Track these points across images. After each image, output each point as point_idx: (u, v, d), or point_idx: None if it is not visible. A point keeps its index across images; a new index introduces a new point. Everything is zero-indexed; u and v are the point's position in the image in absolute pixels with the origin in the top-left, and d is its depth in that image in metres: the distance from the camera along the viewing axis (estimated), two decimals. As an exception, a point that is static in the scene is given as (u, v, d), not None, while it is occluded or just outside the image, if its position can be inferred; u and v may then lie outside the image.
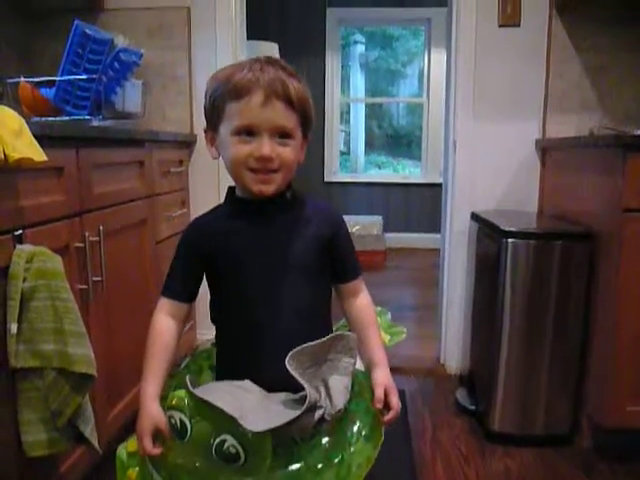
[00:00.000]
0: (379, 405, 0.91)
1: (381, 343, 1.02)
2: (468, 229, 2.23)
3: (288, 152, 0.91)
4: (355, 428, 0.90)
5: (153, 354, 0.95)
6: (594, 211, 1.76)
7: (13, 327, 1.08)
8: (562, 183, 2.07)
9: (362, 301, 1.03)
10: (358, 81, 5.97)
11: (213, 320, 1.03)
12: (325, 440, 0.87)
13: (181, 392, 0.88)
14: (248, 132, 0.89)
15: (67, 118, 1.79)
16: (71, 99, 1.78)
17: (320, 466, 0.85)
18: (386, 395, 0.92)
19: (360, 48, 6.01)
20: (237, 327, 0.98)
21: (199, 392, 0.86)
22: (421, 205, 5.10)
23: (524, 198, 2.23)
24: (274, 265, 0.95)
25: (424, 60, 5.34)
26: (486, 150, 2.22)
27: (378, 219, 4.83)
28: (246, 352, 0.97)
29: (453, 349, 2.37)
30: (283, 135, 0.90)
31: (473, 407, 2.01)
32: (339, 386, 0.88)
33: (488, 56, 2.18)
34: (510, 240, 1.76)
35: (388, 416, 0.92)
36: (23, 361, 1.10)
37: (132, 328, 1.64)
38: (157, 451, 0.88)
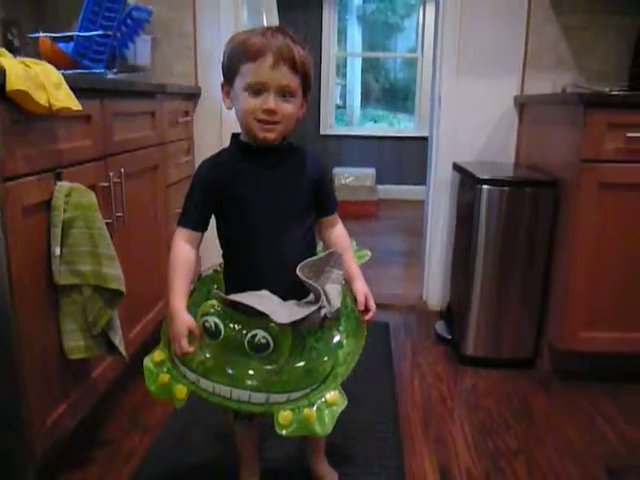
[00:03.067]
0: (362, 308, 1.16)
1: (355, 262, 1.25)
2: (450, 179, 2.44)
3: (289, 108, 1.09)
4: (344, 327, 1.14)
5: (176, 273, 1.14)
6: (559, 161, 1.96)
7: (57, 250, 1.28)
8: (535, 136, 2.27)
9: (339, 230, 1.25)
10: (355, 34, 6.01)
11: (222, 246, 1.22)
12: (327, 334, 1.11)
13: (212, 301, 1.09)
14: (258, 88, 1.07)
15: (84, 71, 1.96)
16: (88, 53, 1.94)
17: (325, 358, 1.09)
18: (366, 300, 1.16)
19: (357, 0, 6.03)
20: (243, 252, 1.17)
21: (232, 297, 1.06)
22: (413, 158, 5.26)
23: (502, 150, 2.43)
24: (274, 200, 1.15)
25: (419, 15, 5.41)
26: (469, 105, 2.40)
27: (371, 171, 5.01)
28: (251, 273, 1.16)
29: (434, 288, 2.61)
30: (286, 93, 1.08)
31: (450, 336, 2.26)
32: (334, 292, 1.11)
33: (472, 16, 2.33)
34: (485, 187, 1.96)
35: (368, 316, 1.16)
36: (65, 279, 1.31)
37: (147, 258, 1.86)
38: (192, 349, 1.08)
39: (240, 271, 1.20)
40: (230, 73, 1.11)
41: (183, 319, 1.09)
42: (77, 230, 1.31)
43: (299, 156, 1.19)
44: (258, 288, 1.12)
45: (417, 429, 1.70)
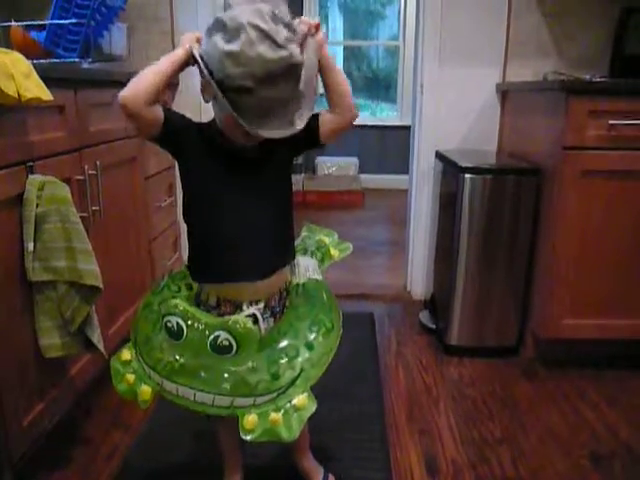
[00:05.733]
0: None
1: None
2: (433, 168, 2.42)
3: None
4: (317, 327, 1.09)
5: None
6: (541, 149, 1.96)
7: (30, 246, 1.25)
8: (517, 124, 2.26)
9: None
10: (337, 22, 5.96)
11: (186, 221, 1.13)
12: (296, 335, 1.07)
13: (175, 300, 1.06)
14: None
15: (57, 60, 1.90)
16: (61, 42, 1.89)
17: (294, 360, 1.04)
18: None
19: (339, -13, 5.98)
20: (211, 223, 1.09)
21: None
22: (396, 147, 5.24)
23: (485, 138, 2.42)
24: (248, 171, 1.08)
25: (401, 2, 5.37)
26: (450, 93, 2.38)
27: (354, 160, 4.99)
28: (220, 244, 1.09)
29: (418, 278, 2.60)
30: None
31: (434, 326, 2.26)
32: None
33: (454, 3, 2.30)
34: (467, 175, 1.95)
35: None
36: (39, 275, 1.28)
37: (126, 253, 1.83)
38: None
39: (207, 243, 1.12)
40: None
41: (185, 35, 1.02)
42: (51, 225, 1.27)
43: None
44: (227, 258, 1.09)
45: (402, 420, 1.69)
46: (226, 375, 1.02)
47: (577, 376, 1.94)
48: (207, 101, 1.05)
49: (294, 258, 1.21)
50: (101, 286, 1.34)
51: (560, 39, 2.33)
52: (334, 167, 4.68)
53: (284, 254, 1.18)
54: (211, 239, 1.10)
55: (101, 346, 1.43)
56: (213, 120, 1.09)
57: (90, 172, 1.54)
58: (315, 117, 1.08)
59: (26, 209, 1.24)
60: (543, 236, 1.93)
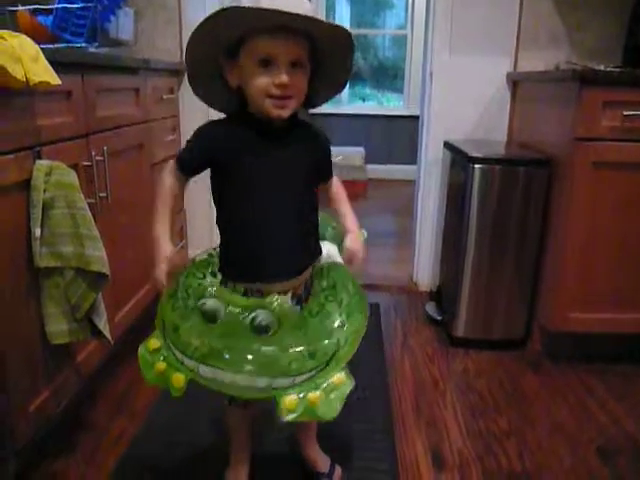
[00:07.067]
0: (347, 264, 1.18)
1: (352, 213, 1.25)
2: (442, 158, 2.40)
3: (301, 79, 1.04)
4: (345, 306, 1.11)
5: (160, 202, 1.12)
6: (552, 140, 1.93)
7: (37, 231, 1.24)
8: (528, 114, 2.23)
9: (337, 187, 1.25)
10: (343, 11, 5.92)
11: (219, 222, 1.16)
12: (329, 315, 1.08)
13: (207, 282, 1.08)
14: (268, 61, 1.01)
15: (64, 45, 1.89)
16: (68, 27, 1.87)
17: (328, 339, 1.05)
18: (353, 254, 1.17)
19: (346, -23, 5.94)
20: (242, 228, 1.12)
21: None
22: (403, 137, 5.22)
23: (494, 128, 2.39)
24: (276, 175, 1.10)
25: (409, -9, 5.32)
26: (460, 83, 2.35)
27: (360, 150, 4.96)
28: (252, 248, 1.12)
29: (425, 269, 2.58)
30: (297, 64, 1.02)
31: (440, 317, 2.24)
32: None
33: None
34: (477, 166, 1.93)
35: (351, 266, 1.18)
36: (46, 261, 1.27)
37: (132, 239, 1.81)
38: (168, 284, 1.06)
39: (237, 249, 1.14)
40: (233, 47, 1.04)
41: (164, 247, 1.08)
42: (58, 211, 1.26)
43: (305, 131, 1.15)
44: (255, 265, 1.11)
45: (408, 411, 1.69)
46: (264, 355, 1.01)
47: (584, 370, 1.93)
48: (234, 87, 1.08)
49: (320, 254, 1.22)
50: (108, 273, 1.34)
51: (572, 29, 2.30)
52: (340, 157, 4.65)
53: (312, 254, 1.20)
54: (245, 241, 1.12)
55: (107, 333, 1.43)
56: (228, 115, 1.14)
57: (97, 158, 1.53)
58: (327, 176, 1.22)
59: (33, 194, 1.23)
60: (552, 228, 1.91)
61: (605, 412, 1.70)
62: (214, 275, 1.19)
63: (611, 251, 1.83)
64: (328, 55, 1.06)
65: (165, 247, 1.08)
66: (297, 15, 0.94)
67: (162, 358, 1.08)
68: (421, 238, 2.58)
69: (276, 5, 0.93)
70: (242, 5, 0.98)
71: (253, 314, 1.02)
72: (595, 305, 1.86)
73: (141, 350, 1.11)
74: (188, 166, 1.12)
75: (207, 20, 0.98)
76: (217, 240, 1.17)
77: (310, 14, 0.97)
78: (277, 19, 0.95)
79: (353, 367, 1.07)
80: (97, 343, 1.55)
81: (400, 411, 1.68)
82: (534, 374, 1.92)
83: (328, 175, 1.23)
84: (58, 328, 1.32)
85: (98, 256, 1.31)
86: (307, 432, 1.36)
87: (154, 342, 1.10)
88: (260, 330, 1.02)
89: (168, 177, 1.12)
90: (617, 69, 1.91)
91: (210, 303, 1.05)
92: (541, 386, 1.84)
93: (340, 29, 1.01)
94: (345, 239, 1.19)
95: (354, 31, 6.01)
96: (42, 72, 1.18)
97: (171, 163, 1.13)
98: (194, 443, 1.51)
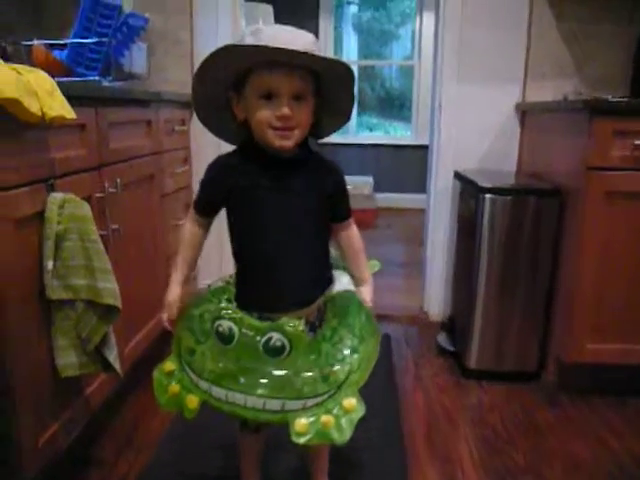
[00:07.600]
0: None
1: (366, 265, 1.26)
2: (451, 187, 2.40)
3: (304, 111, 1.05)
4: (358, 332, 1.11)
5: (181, 250, 1.19)
6: (563, 169, 1.93)
7: (49, 264, 1.24)
8: (538, 144, 2.24)
9: (352, 232, 1.23)
10: (351, 42, 6.01)
11: (235, 254, 1.18)
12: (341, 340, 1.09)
13: (223, 305, 1.10)
14: (270, 95, 1.03)
15: (78, 79, 1.92)
16: (82, 61, 1.91)
17: (341, 364, 1.06)
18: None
19: (353, 9, 6.04)
20: (256, 260, 1.14)
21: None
22: (411, 166, 5.24)
23: (504, 158, 2.40)
24: (288, 207, 1.11)
25: (416, 22, 5.40)
26: (470, 113, 2.36)
27: (369, 179, 4.98)
28: (264, 281, 1.14)
29: (435, 299, 2.56)
30: (300, 96, 1.04)
31: (452, 348, 2.22)
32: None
33: (473, 22, 2.30)
34: (487, 196, 1.92)
35: None
36: (57, 293, 1.26)
37: (143, 271, 1.81)
38: (170, 327, 1.14)
39: (251, 281, 1.17)
40: (239, 81, 1.06)
41: (169, 293, 1.17)
42: (71, 243, 1.26)
43: (316, 165, 1.15)
44: (269, 296, 1.13)
45: (421, 446, 1.65)
46: (277, 378, 1.03)
47: (600, 403, 1.89)
48: (241, 119, 1.10)
49: (332, 283, 1.21)
50: (120, 306, 1.33)
51: (580, 59, 2.32)
52: (349, 186, 4.64)
53: (324, 285, 1.20)
54: (257, 273, 1.15)
55: (118, 366, 1.41)
56: (237, 147, 1.16)
57: (110, 190, 1.54)
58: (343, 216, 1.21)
59: (47, 227, 1.23)
60: (565, 258, 1.90)
61: (623, 447, 1.65)
62: (229, 302, 1.19)
63: (625, 280, 1.80)
64: (331, 86, 1.07)
65: (173, 293, 1.17)
66: (292, 51, 0.96)
67: (176, 380, 1.10)
68: (432, 267, 2.57)
69: (275, 40, 0.96)
70: (240, 43, 1.01)
71: (267, 335, 1.03)
72: (611, 336, 1.83)
73: (156, 373, 1.13)
74: (204, 205, 1.16)
75: (206, 60, 1.02)
76: (227, 270, 1.19)
77: (310, 47, 0.99)
78: (273, 55, 0.97)
79: (364, 398, 1.06)
80: (105, 376, 1.54)
81: (413, 445, 1.65)
82: (549, 407, 1.88)
83: (344, 215, 1.21)
84: (68, 361, 1.31)
85: (110, 289, 1.31)
86: (318, 463, 1.34)
87: (169, 365, 1.12)
88: (274, 351, 1.03)
89: (188, 224, 1.18)
90: (625, 99, 1.91)
91: (225, 324, 1.05)
92: (556, 419, 1.81)
93: (337, 63, 1.03)
94: (358, 289, 1.21)
95: (361, 62, 6.10)
96: (58, 106, 1.19)
97: (190, 210, 1.18)
98: (204, 474, 1.48)
